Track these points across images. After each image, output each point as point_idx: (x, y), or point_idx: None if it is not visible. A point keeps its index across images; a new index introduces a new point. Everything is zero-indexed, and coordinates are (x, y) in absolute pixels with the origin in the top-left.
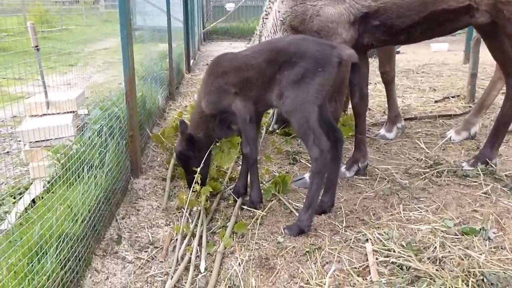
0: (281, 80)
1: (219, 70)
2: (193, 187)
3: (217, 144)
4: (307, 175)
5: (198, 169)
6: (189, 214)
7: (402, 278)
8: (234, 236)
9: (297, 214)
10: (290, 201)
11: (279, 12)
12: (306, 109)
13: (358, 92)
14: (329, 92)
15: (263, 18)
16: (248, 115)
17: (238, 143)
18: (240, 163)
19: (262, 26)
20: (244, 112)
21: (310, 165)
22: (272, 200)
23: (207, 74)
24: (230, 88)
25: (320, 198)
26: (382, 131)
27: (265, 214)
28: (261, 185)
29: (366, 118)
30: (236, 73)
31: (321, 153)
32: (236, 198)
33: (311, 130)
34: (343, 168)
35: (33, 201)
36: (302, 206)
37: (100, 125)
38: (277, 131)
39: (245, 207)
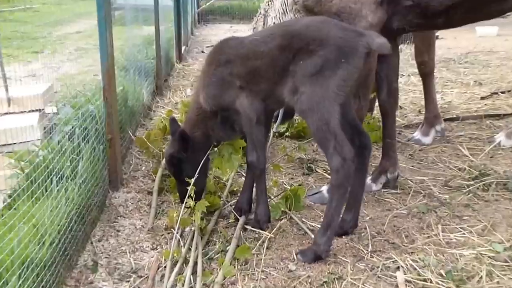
0: (296, 72)
1: (221, 58)
2: (186, 202)
3: (216, 149)
4: (325, 189)
5: (193, 180)
6: (181, 235)
7: None
8: (236, 263)
9: (312, 236)
10: (304, 220)
11: None
12: (325, 108)
13: (387, 86)
14: (354, 88)
15: None
16: (255, 114)
17: (242, 148)
18: (243, 174)
19: (269, 5)
20: (251, 110)
21: (329, 177)
22: (282, 219)
23: (207, 63)
24: (235, 81)
25: (341, 216)
26: (417, 135)
27: (273, 236)
28: (268, 200)
29: (397, 119)
30: (242, 62)
31: (343, 162)
32: (238, 216)
33: (331, 134)
34: (368, 180)
35: None
36: (318, 226)
37: (72, 127)
38: (287, 133)
39: (249, 227)
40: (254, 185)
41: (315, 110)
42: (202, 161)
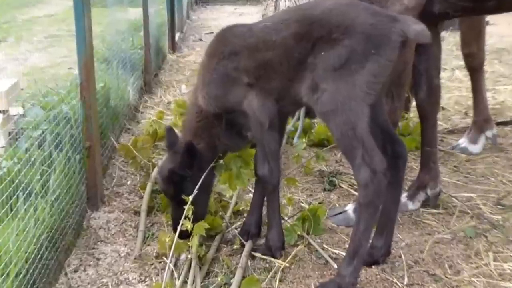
0: (316, 66)
1: (225, 50)
2: (182, 224)
3: (221, 161)
4: (350, 208)
5: (190, 197)
6: (175, 265)
7: None
8: None
9: (335, 266)
10: (325, 246)
11: None
12: (351, 110)
13: (426, 83)
14: (386, 85)
15: None
16: (267, 117)
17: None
18: (251, 189)
19: None
20: (261, 113)
21: (355, 193)
22: (298, 245)
23: (208, 56)
24: (242, 77)
25: (370, 242)
26: (463, 142)
27: (288, 265)
28: (282, 222)
29: (438, 122)
30: (251, 54)
31: (372, 175)
32: (245, 242)
33: (358, 141)
34: (404, 197)
35: None
36: (343, 254)
37: (43, 132)
38: (304, 141)
39: (258, 254)
40: (265, 203)
41: (339, 112)
42: (203, 175)
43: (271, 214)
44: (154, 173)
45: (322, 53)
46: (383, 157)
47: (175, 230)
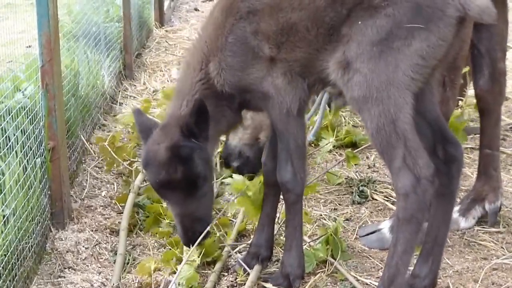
0: (350, 38)
1: (242, 7)
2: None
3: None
4: (386, 226)
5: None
6: None
7: None
8: None
9: None
10: (353, 274)
11: None
12: (391, 99)
13: (488, 67)
14: (438, 70)
15: None
16: (297, 101)
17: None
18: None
19: None
20: (289, 95)
21: (392, 207)
22: (319, 272)
23: (222, 11)
24: (262, 45)
25: (411, 269)
26: None
27: None
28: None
29: (502, 117)
30: (272, 13)
31: (416, 182)
32: (248, 269)
33: (399, 139)
34: (455, 212)
35: None
36: (376, 284)
37: None
38: (330, 140)
39: (270, 286)
40: (287, 218)
41: (374, 100)
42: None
43: (291, 232)
44: (137, 181)
45: (359, 22)
46: (430, 160)
47: (186, 236)
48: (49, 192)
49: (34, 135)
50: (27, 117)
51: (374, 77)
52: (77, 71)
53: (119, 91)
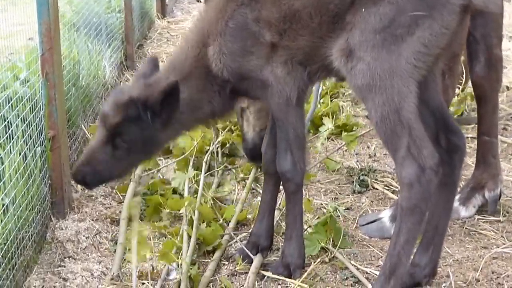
0: (354, 26)
1: None
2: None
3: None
4: (387, 215)
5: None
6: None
7: None
8: None
9: (368, 287)
10: (353, 262)
11: None
12: (395, 87)
13: (484, 54)
14: (441, 58)
15: None
16: (296, 90)
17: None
18: (259, 190)
19: None
20: (288, 83)
21: (393, 196)
22: (319, 261)
23: None
24: (264, 33)
25: (412, 258)
26: None
27: (307, 287)
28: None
29: (501, 106)
30: (275, 1)
31: (420, 172)
32: (252, 256)
33: (403, 128)
34: (456, 201)
35: None
36: (376, 273)
37: None
38: (329, 128)
39: (269, 274)
40: (286, 208)
41: (378, 89)
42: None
43: (292, 222)
44: (138, 171)
45: (363, 10)
46: (434, 150)
47: (79, 171)
48: (49, 181)
49: (35, 124)
50: (27, 106)
51: (377, 65)
52: (77, 61)
53: (120, 82)
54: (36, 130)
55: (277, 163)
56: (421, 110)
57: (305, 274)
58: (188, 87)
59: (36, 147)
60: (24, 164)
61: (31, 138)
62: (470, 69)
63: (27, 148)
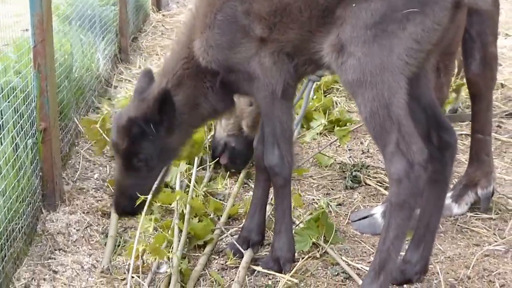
0: (344, 21)
1: None
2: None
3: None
4: (378, 211)
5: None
6: (151, 281)
7: None
8: None
9: (359, 282)
10: (344, 258)
11: None
12: (385, 83)
13: (480, 52)
14: (433, 55)
15: None
16: (281, 83)
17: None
18: (250, 185)
19: None
20: (274, 76)
21: (385, 192)
22: (311, 256)
23: None
24: (253, 26)
25: (402, 255)
26: None
27: (296, 281)
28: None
29: (495, 103)
30: None
31: (409, 168)
32: (243, 250)
33: (393, 124)
34: (447, 198)
35: None
36: (367, 268)
37: None
38: (322, 123)
39: (260, 269)
40: (275, 202)
41: (368, 84)
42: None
43: (281, 216)
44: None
45: (354, 5)
46: (423, 146)
47: (119, 211)
48: (40, 174)
49: (27, 116)
50: (19, 98)
51: (368, 61)
52: (70, 53)
53: (114, 74)
54: (28, 122)
55: (265, 158)
56: (413, 107)
57: (295, 269)
58: (182, 89)
59: (27, 139)
60: (15, 155)
61: (22, 130)
62: (465, 67)
63: (19, 140)
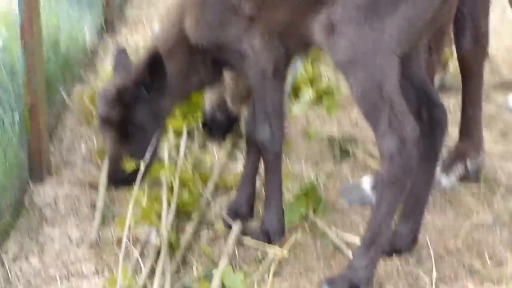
0: (336, 1)
1: None
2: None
3: None
4: (367, 182)
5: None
6: (141, 253)
7: None
8: None
9: (349, 256)
10: (333, 228)
11: None
12: (377, 63)
13: (470, 29)
14: (425, 34)
15: None
16: (272, 62)
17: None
18: (239, 156)
19: None
20: (265, 55)
21: (374, 164)
22: (299, 228)
23: None
24: (243, 5)
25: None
26: None
27: (287, 253)
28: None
29: (484, 76)
30: None
31: (401, 145)
32: (230, 222)
33: (385, 102)
34: (437, 170)
35: None
36: (356, 239)
37: None
38: (310, 94)
39: (249, 241)
40: (266, 176)
41: (360, 65)
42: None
43: (271, 189)
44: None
45: None
46: (415, 123)
47: (115, 182)
48: (28, 147)
49: (12, 92)
50: (6, 74)
51: (359, 42)
52: (56, 26)
53: (100, 45)
54: (15, 97)
55: (256, 133)
56: (404, 85)
57: (285, 242)
58: (174, 62)
59: (14, 114)
60: (2, 131)
61: (9, 105)
62: (456, 44)
63: (5, 116)
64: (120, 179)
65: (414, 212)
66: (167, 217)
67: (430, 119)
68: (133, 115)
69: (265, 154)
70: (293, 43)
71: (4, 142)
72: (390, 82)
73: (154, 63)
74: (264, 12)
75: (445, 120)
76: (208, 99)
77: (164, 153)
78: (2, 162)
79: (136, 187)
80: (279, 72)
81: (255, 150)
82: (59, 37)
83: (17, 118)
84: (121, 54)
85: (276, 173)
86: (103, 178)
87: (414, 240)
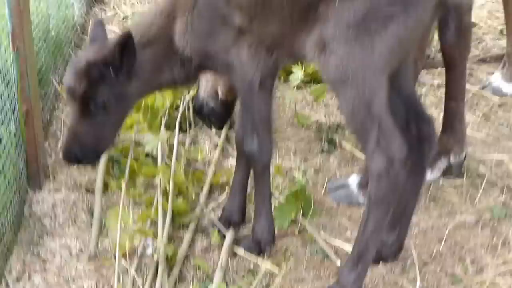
0: (327, 18)
1: None
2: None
3: None
4: (354, 181)
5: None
6: (138, 265)
7: None
8: None
9: (336, 264)
10: (322, 233)
11: None
12: (367, 82)
13: (454, 22)
14: (413, 51)
15: None
16: (259, 74)
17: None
18: (231, 153)
19: None
20: (252, 68)
21: (360, 157)
22: (290, 234)
23: None
24: (233, 15)
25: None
26: (496, 79)
27: (275, 270)
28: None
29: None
30: None
31: (389, 165)
32: (224, 231)
33: (373, 121)
34: None
35: None
36: (344, 246)
37: None
38: (299, 77)
39: (241, 252)
40: (255, 186)
41: (350, 83)
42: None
43: (260, 199)
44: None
45: (336, 3)
46: (403, 142)
47: (66, 150)
48: (25, 155)
49: (9, 98)
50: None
51: (349, 60)
52: (46, 13)
53: (89, 18)
54: (9, 105)
55: (244, 144)
56: (393, 99)
57: (275, 250)
58: (151, 50)
59: (10, 123)
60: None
61: (4, 113)
62: (440, 36)
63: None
64: (74, 155)
65: (400, 222)
66: (163, 228)
67: (418, 133)
68: (96, 92)
69: (253, 165)
70: (282, 55)
71: (5, 154)
72: (379, 100)
73: (127, 46)
74: (255, 25)
75: (433, 135)
76: (202, 86)
77: (158, 151)
78: (1, 174)
79: (122, 196)
80: (267, 84)
81: (245, 160)
82: (49, 21)
83: (13, 129)
84: (98, 27)
85: (265, 183)
86: (99, 183)
87: (399, 250)
